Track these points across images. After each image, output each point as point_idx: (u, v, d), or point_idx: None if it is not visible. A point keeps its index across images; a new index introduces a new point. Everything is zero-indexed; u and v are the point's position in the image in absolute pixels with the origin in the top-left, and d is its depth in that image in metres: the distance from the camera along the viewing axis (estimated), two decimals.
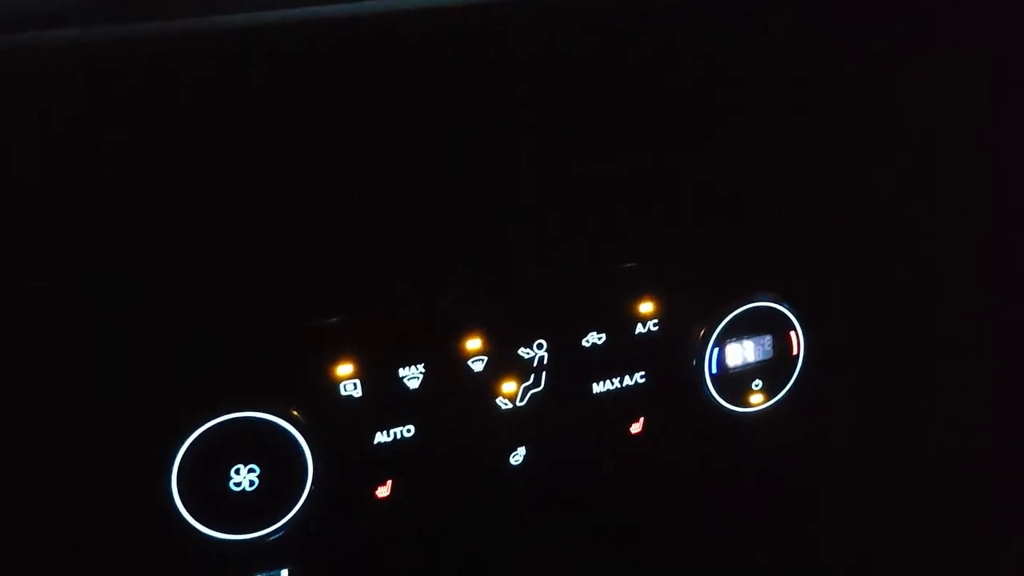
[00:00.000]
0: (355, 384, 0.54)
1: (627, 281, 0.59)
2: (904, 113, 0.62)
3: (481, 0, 0.49)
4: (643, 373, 0.60)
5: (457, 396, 0.56)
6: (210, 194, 0.49)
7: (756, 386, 0.64)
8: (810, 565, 0.72)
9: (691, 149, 0.58)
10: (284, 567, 0.56)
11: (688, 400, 0.62)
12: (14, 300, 0.47)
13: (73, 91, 0.44)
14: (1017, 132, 0.64)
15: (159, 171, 0.47)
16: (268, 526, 0.53)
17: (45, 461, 0.50)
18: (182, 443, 0.51)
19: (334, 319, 0.53)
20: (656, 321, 0.60)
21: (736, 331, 0.62)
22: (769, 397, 0.64)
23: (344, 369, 0.54)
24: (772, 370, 0.64)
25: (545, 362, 0.58)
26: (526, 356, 0.57)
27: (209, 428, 0.51)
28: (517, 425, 0.58)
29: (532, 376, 0.58)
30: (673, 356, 0.61)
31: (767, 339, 0.63)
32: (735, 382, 0.63)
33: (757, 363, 0.63)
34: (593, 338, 0.58)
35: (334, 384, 0.54)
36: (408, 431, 0.56)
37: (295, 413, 0.53)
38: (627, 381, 0.60)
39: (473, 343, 0.56)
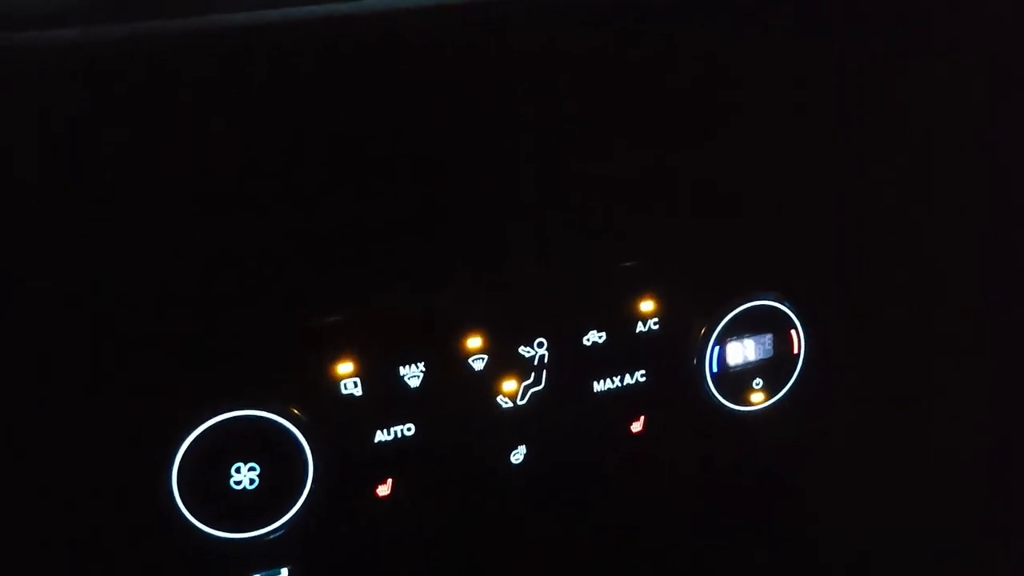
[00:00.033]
0: (355, 382, 0.54)
1: (628, 279, 0.59)
2: (904, 113, 0.62)
3: None
4: (644, 372, 0.60)
5: (457, 395, 0.56)
6: (210, 193, 0.49)
7: (757, 385, 0.64)
8: (810, 565, 0.72)
9: (691, 148, 0.58)
10: (284, 566, 0.56)
11: (689, 399, 0.62)
12: (14, 300, 0.47)
13: (73, 90, 0.44)
14: (1017, 132, 0.64)
15: (159, 171, 0.47)
16: (268, 525, 0.53)
17: (45, 460, 0.50)
18: (182, 442, 0.51)
19: (334, 317, 0.53)
20: (657, 320, 0.60)
21: (737, 330, 0.62)
22: (770, 396, 0.64)
23: (344, 368, 0.54)
24: (773, 369, 0.64)
25: (546, 361, 0.58)
26: (527, 355, 0.57)
27: (209, 427, 0.51)
28: (518, 424, 0.58)
29: (533, 375, 0.58)
30: (674, 355, 0.61)
31: (768, 338, 0.63)
32: (736, 381, 0.63)
33: (758, 362, 0.63)
34: (594, 337, 0.58)
35: (334, 383, 0.54)
36: (408, 430, 0.56)
37: (295, 412, 0.53)
38: (628, 380, 0.60)
39: (473, 341, 0.56)
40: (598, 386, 0.59)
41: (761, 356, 0.63)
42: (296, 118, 0.49)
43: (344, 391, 0.54)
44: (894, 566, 0.72)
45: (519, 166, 0.54)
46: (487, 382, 0.57)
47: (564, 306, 0.58)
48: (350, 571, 0.59)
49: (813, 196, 0.63)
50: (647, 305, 0.59)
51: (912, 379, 0.69)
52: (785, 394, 0.65)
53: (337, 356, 0.53)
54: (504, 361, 0.57)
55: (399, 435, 0.56)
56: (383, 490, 0.57)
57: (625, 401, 0.60)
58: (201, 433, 0.51)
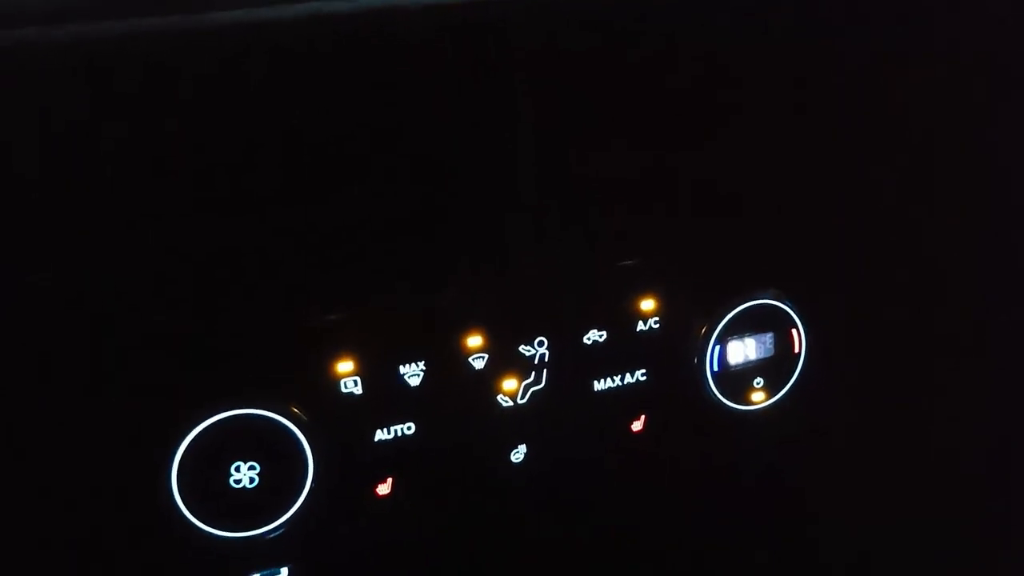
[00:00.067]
0: (355, 381, 0.54)
1: (628, 278, 0.59)
2: (904, 113, 0.62)
3: None
4: (644, 371, 0.60)
5: (458, 394, 0.56)
6: (210, 192, 0.49)
7: (757, 384, 0.64)
8: (810, 565, 0.72)
9: (691, 148, 0.58)
10: (284, 565, 0.56)
11: (689, 398, 0.62)
12: (14, 299, 0.47)
13: (73, 88, 0.44)
14: (1017, 132, 0.64)
15: (159, 168, 0.47)
16: (268, 524, 0.53)
17: (45, 460, 0.50)
18: (182, 440, 0.51)
19: (335, 316, 0.53)
20: (657, 319, 0.60)
21: (737, 329, 0.62)
22: (770, 395, 0.64)
23: (344, 366, 0.54)
24: (773, 368, 0.64)
25: (546, 359, 0.58)
26: (527, 353, 0.57)
27: (209, 425, 0.51)
28: (518, 423, 0.58)
29: (533, 374, 0.58)
30: (674, 354, 0.61)
31: (768, 337, 0.63)
32: (736, 380, 0.63)
33: (758, 361, 0.63)
34: (594, 335, 0.58)
35: (334, 381, 0.54)
36: (409, 429, 0.56)
37: (295, 410, 0.52)
38: (628, 379, 0.60)
39: (474, 340, 0.56)
40: (598, 385, 0.59)
41: (762, 355, 0.63)
42: (295, 116, 0.49)
43: (344, 390, 0.54)
44: (894, 566, 0.72)
45: (519, 165, 0.54)
46: (487, 381, 0.57)
47: (564, 305, 0.58)
48: (350, 570, 0.59)
49: (813, 196, 0.63)
50: (648, 304, 0.59)
51: (912, 379, 0.69)
52: (786, 393, 0.65)
53: (337, 355, 0.53)
54: (504, 360, 0.57)
55: (399, 434, 0.56)
56: (383, 489, 0.56)
57: (625, 400, 0.60)
58: (201, 432, 0.51)
